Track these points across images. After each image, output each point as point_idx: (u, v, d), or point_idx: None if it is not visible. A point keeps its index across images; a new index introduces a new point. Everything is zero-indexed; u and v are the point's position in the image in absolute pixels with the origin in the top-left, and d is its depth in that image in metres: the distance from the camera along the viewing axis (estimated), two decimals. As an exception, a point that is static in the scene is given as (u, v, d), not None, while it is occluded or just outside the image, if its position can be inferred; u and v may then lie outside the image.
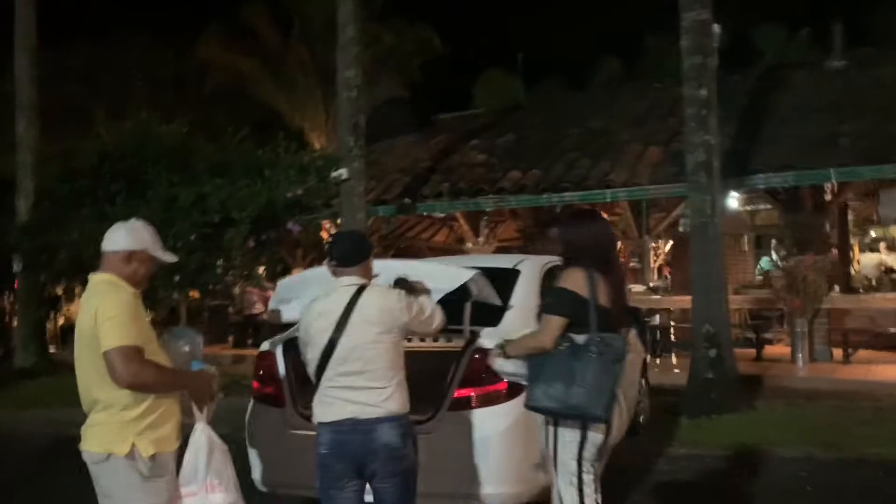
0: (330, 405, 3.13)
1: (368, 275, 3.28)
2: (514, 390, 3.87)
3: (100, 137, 12.34)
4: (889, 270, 14.23)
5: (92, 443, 2.89)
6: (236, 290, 14.10)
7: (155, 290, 10.82)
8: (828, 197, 10.39)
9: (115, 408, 2.86)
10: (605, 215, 11.81)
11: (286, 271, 12.41)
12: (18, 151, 13.06)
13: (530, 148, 11.67)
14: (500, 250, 18.82)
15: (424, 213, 11.94)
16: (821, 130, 9.34)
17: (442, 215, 14.79)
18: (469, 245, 17.07)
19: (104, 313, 2.82)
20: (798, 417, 6.89)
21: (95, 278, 3.01)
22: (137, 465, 2.84)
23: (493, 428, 3.79)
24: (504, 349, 3.31)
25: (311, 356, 3.19)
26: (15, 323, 15.69)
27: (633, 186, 9.60)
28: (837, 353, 10.15)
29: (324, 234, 13.52)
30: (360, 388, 3.08)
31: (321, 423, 3.16)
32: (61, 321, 16.36)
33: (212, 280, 10.79)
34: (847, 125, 9.30)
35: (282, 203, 10.45)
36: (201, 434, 3.03)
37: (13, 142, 13.64)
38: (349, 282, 3.20)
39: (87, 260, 11.03)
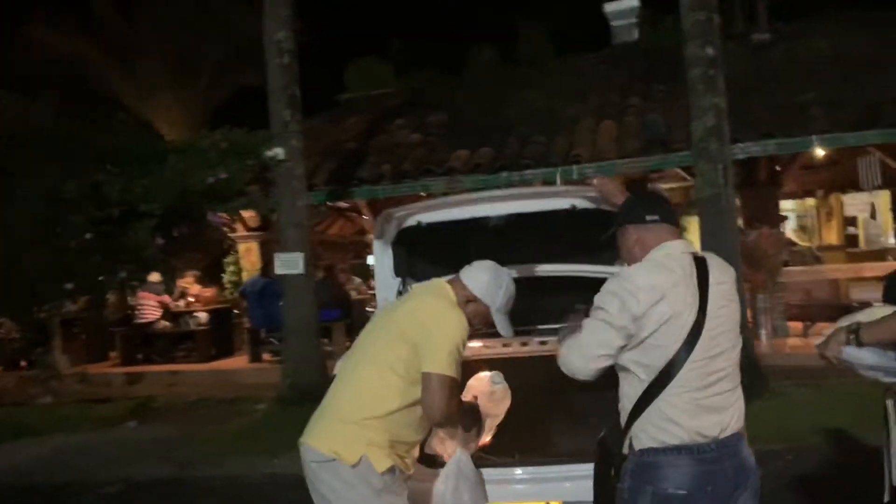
0: (694, 417, 2.19)
1: None
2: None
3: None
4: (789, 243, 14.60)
5: (321, 440, 2.61)
6: (109, 298, 12.14)
7: (37, 299, 8.96)
8: (778, 168, 10.20)
9: (362, 416, 2.57)
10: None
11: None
12: None
13: (469, 126, 10.70)
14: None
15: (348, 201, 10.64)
16: (786, 99, 9.06)
17: (346, 205, 13.57)
18: (372, 237, 15.94)
19: (444, 331, 2.57)
20: (845, 401, 6.34)
21: (445, 287, 2.77)
22: (369, 477, 2.51)
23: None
24: (857, 333, 2.36)
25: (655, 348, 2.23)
26: None
27: (601, 161, 8.86)
28: (794, 326, 10.02)
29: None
30: (723, 392, 2.26)
31: (663, 450, 2.19)
32: None
33: (113, 286, 9.00)
34: (809, 94, 9.05)
35: (200, 191, 8.83)
36: (454, 463, 2.73)
37: None
38: (682, 248, 2.34)
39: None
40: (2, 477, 6.82)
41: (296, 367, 8.28)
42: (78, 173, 9.05)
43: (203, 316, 12.30)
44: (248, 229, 12.25)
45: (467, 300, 2.74)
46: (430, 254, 3.47)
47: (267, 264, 11.49)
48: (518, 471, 2.82)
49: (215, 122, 12.13)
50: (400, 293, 3.42)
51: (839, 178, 13.33)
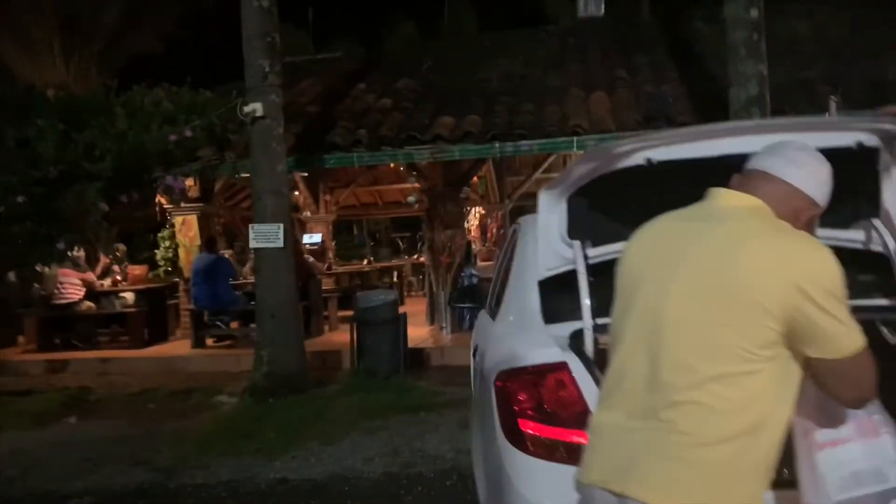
0: None
1: None
2: None
3: None
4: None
5: (666, 492, 1.56)
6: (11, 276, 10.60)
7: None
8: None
9: (723, 440, 1.57)
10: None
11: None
12: None
13: (443, 92, 9.90)
14: (341, 221, 16.82)
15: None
16: (785, 76, 8.75)
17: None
18: (308, 214, 14.89)
19: (831, 285, 1.56)
20: None
21: (763, 209, 1.73)
22: None
23: None
24: None
25: None
26: None
27: (602, 133, 8.28)
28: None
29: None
30: None
31: None
32: None
33: (50, 258, 7.69)
34: (809, 72, 8.82)
35: (156, 151, 7.64)
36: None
37: None
38: None
39: None
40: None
41: (272, 355, 7.30)
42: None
43: (129, 296, 10.95)
44: (186, 200, 10.96)
45: (810, 216, 1.78)
46: (626, 207, 2.69)
47: (212, 239, 10.33)
48: None
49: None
50: (587, 258, 2.63)
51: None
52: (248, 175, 8.92)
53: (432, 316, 10.19)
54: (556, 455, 2.34)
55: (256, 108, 7.16)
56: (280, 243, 7.28)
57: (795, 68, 8.93)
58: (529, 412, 2.41)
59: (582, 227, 2.77)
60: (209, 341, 10.41)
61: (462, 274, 9.97)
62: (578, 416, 2.33)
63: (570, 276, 2.81)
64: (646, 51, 10.61)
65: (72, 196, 7.31)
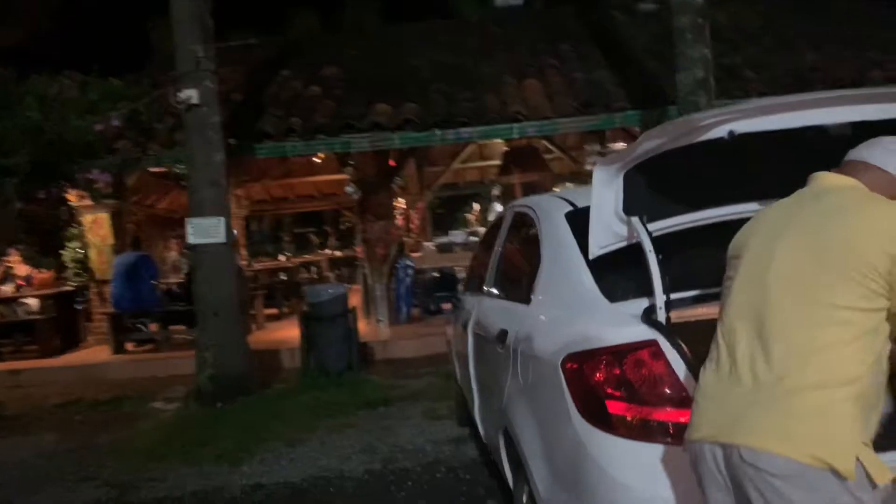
0: None
1: None
2: None
3: None
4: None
5: (787, 440, 1.62)
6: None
7: None
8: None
9: (841, 386, 1.63)
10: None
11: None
12: None
13: (377, 81, 9.65)
14: (253, 216, 16.21)
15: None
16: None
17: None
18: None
19: None
20: None
21: (861, 188, 1.86)
22: (863, 496, 1.58)
23: None
24: None
25: None
26: None
27: (542, 119, 8.30)
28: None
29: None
30: None
31: None
32: None
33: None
34: (735, 58, 9.15)
35: (82, 143, 7.05)
36: None
37: None
38: None
39: None
40: None
41: (217, 355, 6.89)
42: None
43: (34, 302, 10.13)
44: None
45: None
46: (680, 181, 2.62)
47: (137, 236, 9.70)
48: None
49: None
50: (650, 234, 2.52)
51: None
52: (173, 167, 8.44)
53: (367, 309, 9.95)
54: (647, 435, 2.25)
55: (192, 95, 6.73)
56: (221, 238, 6.89)
57: (719, 54, 9.22)
58: (616, 393, 2.31)
59: (636, 203, 2.68)
60: (129, 346, 9.78)
61: (397, 265, 9.79)
62: (670, 393, 2.25)
63: (620, 254, 2.75)
64: (569, 39, 10.73)
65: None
